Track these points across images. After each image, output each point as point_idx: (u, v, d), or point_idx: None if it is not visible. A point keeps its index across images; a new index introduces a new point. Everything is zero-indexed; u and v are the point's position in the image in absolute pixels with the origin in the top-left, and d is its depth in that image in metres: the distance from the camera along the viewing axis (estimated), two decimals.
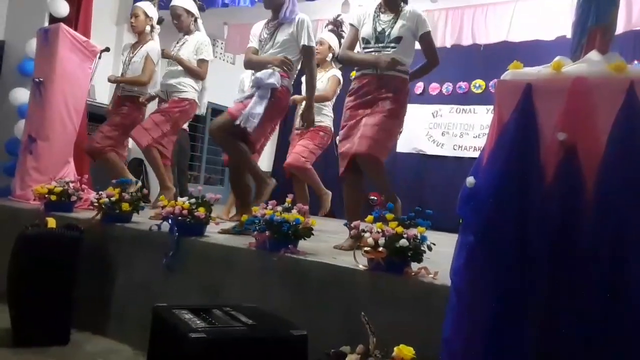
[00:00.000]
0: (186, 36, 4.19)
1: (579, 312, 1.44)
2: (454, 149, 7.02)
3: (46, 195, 3.65)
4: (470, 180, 1.61)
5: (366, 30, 3.10)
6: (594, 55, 1.58)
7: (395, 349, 1.73)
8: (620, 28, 4.38)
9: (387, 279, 2.19)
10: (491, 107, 6.19)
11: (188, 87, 4.19)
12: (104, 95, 6.25)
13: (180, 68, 4.15)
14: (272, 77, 3.19)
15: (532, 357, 1.48)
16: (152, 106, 4.65)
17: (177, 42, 4.25)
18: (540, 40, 5.33)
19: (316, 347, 1.90)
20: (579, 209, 1.47)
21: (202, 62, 4.19)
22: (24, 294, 2.86)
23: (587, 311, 1.43)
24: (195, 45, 4.16)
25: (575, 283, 1.45)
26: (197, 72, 4.19)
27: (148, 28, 4.22)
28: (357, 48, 3.25)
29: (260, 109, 3.16)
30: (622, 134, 1.45)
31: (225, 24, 6.86)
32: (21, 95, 5.14)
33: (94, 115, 5.31)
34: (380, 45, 3.04)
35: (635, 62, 5.54)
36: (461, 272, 1.61)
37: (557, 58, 1.57)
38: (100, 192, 3.37)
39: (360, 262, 2.29)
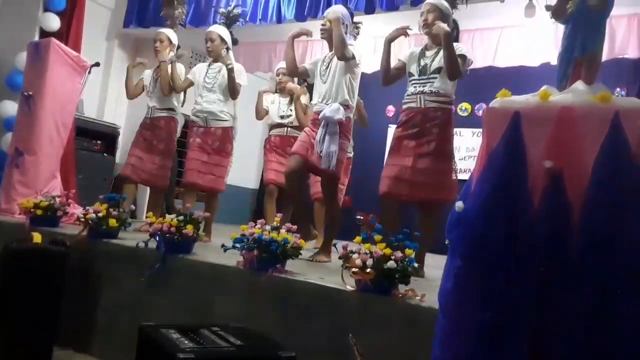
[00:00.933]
0: (218, 63, 4.18)
1: (566, 336, 1.46)
2: None
3: (32, 210, 3.63)
4: (459, 204, 1.64)
5: (412, 66, 3.35)
6: (580, 85, 1.63)
7: None
8: (603, 56, 4.50)
9: (375, 300, 2.20)
10: (477, 130, 6.29)
11: (228, 116, 4.19)
12: (92, 109, 6.25)
13: (218, 96, 4.14)
14: (339, 112, 3.40)
15: None
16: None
17: (209, 68, 4.24)
18: (525, 66, 5.45)
19: None
20: (565, 235, 1.50)
21: (239, 85, 4.17)
22: (7, 310, 2.82)
23: (574, 337, 1.45)
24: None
25: (563, 308, 1.47)
26: (237, 90, 4.15)
27: (224, 52, 4.23)
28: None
29: (335, 147, 3.39)
30: (608, 162, 1.49)
31: None
32: (8, 108, 5.12)
33: (81, 130, 5.29)
34: (423, 77, 3.26)
35: (618, 89, 5.68)
36: (449, 295, 1.63)
37: (544, 87, 1.62)
38: (87, 208, 3.36)
39: (347, 282, 2.30)
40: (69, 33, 5.26)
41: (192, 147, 4.19)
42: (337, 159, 3.41)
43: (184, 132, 5.02)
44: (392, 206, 3.27)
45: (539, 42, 5.20)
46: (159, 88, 4.47)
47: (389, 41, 3.41)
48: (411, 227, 2.39)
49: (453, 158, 3.30)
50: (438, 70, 3.22)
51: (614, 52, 4.96)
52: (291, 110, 4.73)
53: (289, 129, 4.73)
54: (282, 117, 4.77)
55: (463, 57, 3.23)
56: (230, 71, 4.05)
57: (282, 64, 4.87)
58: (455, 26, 3.35)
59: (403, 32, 3.38)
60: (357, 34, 4.05)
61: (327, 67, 3.58)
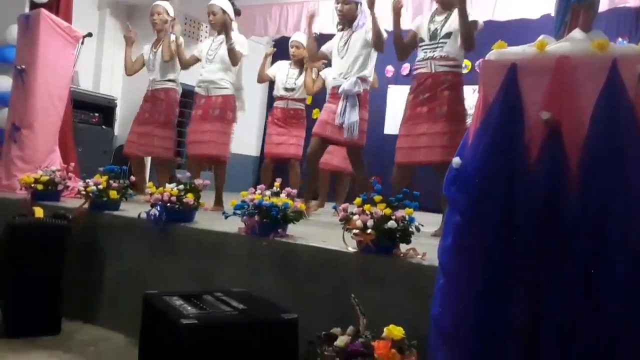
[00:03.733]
0: (221, 36, 4.15)
1: (563, 287, 1.46)
2: None
3: (32, 185, 3.62)
4: (456, 160, 1.62)
5: (422, 31, 3.39)
6: (577, 33, 1.59)
7: (385, 329, 1.75)
8: (604, 5, 4.39)
9: (376, 261, 2.21)
10: (477, 87, 6.20)
11: (229, 84, 4.18)
12: (87, 81, 6.19)
13: (218, 65, 4.13)
14: (357, 85, 3.65)
15: (520, 333, 1.51)
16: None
17: (213, 41, 4.25)
18: (526, 18, 5.32)
19: (307, 330, 1.92)
20: (563, 187, 1.49)
21: (240, 54, 4.14)
22: (13, 284, 2.85)
23: (571, 286, 1.45)
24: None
25: (560, 259, 1.47)
26: (238, 59, 4.13)
27: (230, 24, 4.18)
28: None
29: (356, 116, 3.64)
30: (605, 112, 1.46)
31: None
32: (3, 83, 5.05)
33: (78, 102, 5.25)
34: (433, 42, 3.30)
35: (620, 39, 5.56)
36: (449, 252, 1.63)
37: (540, 37, 1.58)
38: (87, 180, 3.35)
39: (349, 244, 2.31)
40: (59, 3, 5.14)
41: (193, 119, 4.22)
42: (361, 129, 3.66)
43: (183, 102, 4.97)
44: (408, 174, 3.38)
45: None
46: (160, 61, 4.47)
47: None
48: (411, 188, 2.38)
49: (466, 119, 3.32)
50: (448, 35, 3.25)
51: (615, 1, 4.84)
52: (296, 83, 4.75)
53: (290, 101, 4.77)
54: (286, 89, 4.78)
55: (475, 23, 3.22)
56: (231, 50, 4.04)
57: (296, 36, 4.88)
58: None
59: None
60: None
61: (345, 44, 3.74)
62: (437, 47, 3.27)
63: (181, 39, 4.51)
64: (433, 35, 3.29)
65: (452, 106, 3.22)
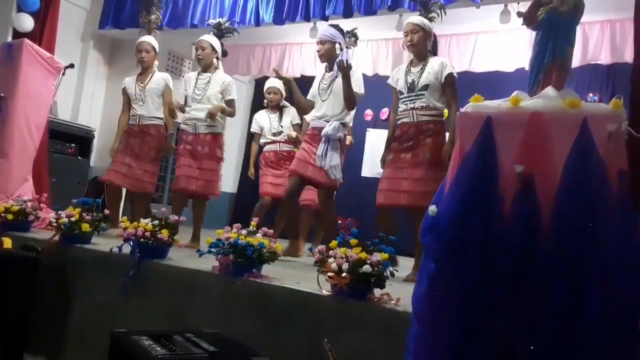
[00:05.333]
0: (207, 74, 4.19)
1: (537, 337, 1.48)
2: None
3: (2, 214, 3.55)
4: (432, 208, 1.65)
5: (400, 84, 3.45)
6: (550, 91, 1.65)
7: None
8: (576, 62, 4.57)
9: (351, 305, 2.20)
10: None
11: (217, 122, 4.17)
12: (66, 111, 6.14)
13: (207, 105, 4.10)
14: (340, 131, 3.75)
15: None
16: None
17: (198, 77, 4.22)
18: (501, 71, 5.51)
19: None
20: (536, 238, 1.52)
21: (232, 101, 4.21)
22: None
23: (545, 337, 1.47)
24: (221, 85, 4.17)
25: (534, 308, 1.49)
26: (233, 114, 4.26)
27: (215, 61, 4.22)
28: None
29: (337, 160, 3.75)
30: (576, 167, 1.52)
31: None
32: None
33: (55, 132, 5.20)
34: (412, 94, 3.37)
35: (590, 94, 5.78)
36: (423, 299, 1.64)
37: (515, 93, 1.64)
38: (59, 212, 3.30)
39: (323, 287, 2.30)
40: (43, 34, 5.14)
41: (181, 154, 4.18)
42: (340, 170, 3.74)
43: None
44: (388, 216, 3.40)
45: (514, 47, 5.26)
46: (149, 97, 4.46)
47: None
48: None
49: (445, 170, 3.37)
50: (425, 87, 3.32)
51: (587, 58, 5.04)
52: (281, 125, 4.87)
53: (281, 144, 4.88)
54: (274, 133, 4.89)
55: (453, 76, 3.34)
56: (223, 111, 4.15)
57: (271, 82, 4.97)
58: (434, 40, 3.46)
59: None
60: (355, 42, 4.10)
61: (328, 87, 3.78)
62: (416, 99, 3.34)
63: (170, 80, 4.54)
64: (411, 88, 3.36)
65: (435, 153, 3.27)
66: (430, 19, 3.43)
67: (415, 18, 3.40)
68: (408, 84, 3.38)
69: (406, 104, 3.38)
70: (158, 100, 4.52)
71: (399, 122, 3.44)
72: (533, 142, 1.55)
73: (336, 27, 3.86)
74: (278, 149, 4.87)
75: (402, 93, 3.42)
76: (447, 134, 3.32)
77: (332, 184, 3.77)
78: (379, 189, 3.40)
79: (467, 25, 5.39)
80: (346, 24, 4.14)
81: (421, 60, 3.41)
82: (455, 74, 3.37)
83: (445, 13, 3.54)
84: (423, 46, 3.38)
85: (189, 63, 7.50)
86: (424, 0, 3.50)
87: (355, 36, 3.99)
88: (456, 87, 3.35)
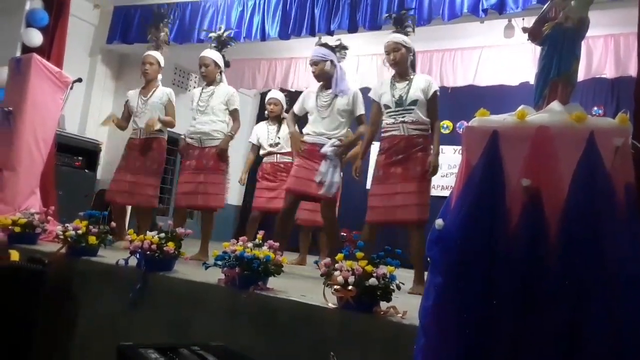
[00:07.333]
0: (211, 87, 4.23)
1: (544, 351, 1.48)
2: None
3: (10, 227, 3.57)
4: (439, 222, 1.65)
5: (386, 99, 3.49)
6: (555, 105, 1.67)
7: None
8: (580, 75, 4.59)
9: (357, 318, 2.20)
10: (458, 147, 6.35)
11: (222, 135, 4.19)
12: (74, 125, 6.19)
13: (211, 117, 4.16)
14: (338, 149, 3.77)
15: None
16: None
17: (202, 91, 4.27)
18: (505, 85, 5.54)
19: None
20: (543, 253, 1.53)
21: (235, 111, 4.24)
22: None
23: (551, 351, 1.47)
24: (224, 97, 4.20)
25: (541, 322, 1.49)
26: (238, 127, 4.28)
27: (218, 76, 4.27)
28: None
29: (337, 177, 3.75)
30: (583, 181, 1.52)
31: None
32: None
33: (63, 146, 5.24)
34: (400, 108, 3.41)
35: (595, 108, 5.79)
36: (429, 313, 1.64)
37: (521, 107, 1.65)
38: (66, 225, 3.31)
39: (329, 300, 2.30)
40: (52, 49, 5.21)
41: (185, 170, 4.22)
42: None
43: (168, 150, 5.00)
44: (375, 232, 3.41)
45: (518, 61, 5.30)
46: (151, 111, 4.41)
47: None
48: (393, 245, 2.40)
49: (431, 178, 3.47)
50: (414, 102, 3.37)
51: (591, 71, 5.06)
52: (279, 137, 4.91)
53: (278, 155, 4.92)
54: (271, 145, 4.94)
55: (437, 94, 3.43)
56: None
57: (272, 93, 5.04)
58: (413, 54, 3.52)
59: None
60: (345, 53, 4.13)
61: (328, 105, 3.79)
62: (406, 113, 3.38)
63: (172, 95, 4.55)
64: (399, 102, 3.40)
65: (425, 167, 3.34)
66: (407, 34, 3.47)
67: (396, 36, 3.45)
68: (395, 99, 3.42)
69: (395, 118, 3.41)
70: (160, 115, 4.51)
71: (386, 134, 3.46)
72: (539, 156, 1.56)
73: (325, 45, 3.89)
74: (275, 161, 4.92)
75: (388, 107, 3.46)
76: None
77: (334, 198, 3.81)
78: (370, 205, 3.41)
79: (471, 40, 5.44)
80: (351, 39, 4.18)
81: (404, 76, 3.47)
82: (438, 92, 3.46)
83: (415, 27, 3.57)
84: (405, 63, 3.45)
85: (196, 77, 7.58)
86: (398, 17, 3.57)
87: (344, 47, 4.02)
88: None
